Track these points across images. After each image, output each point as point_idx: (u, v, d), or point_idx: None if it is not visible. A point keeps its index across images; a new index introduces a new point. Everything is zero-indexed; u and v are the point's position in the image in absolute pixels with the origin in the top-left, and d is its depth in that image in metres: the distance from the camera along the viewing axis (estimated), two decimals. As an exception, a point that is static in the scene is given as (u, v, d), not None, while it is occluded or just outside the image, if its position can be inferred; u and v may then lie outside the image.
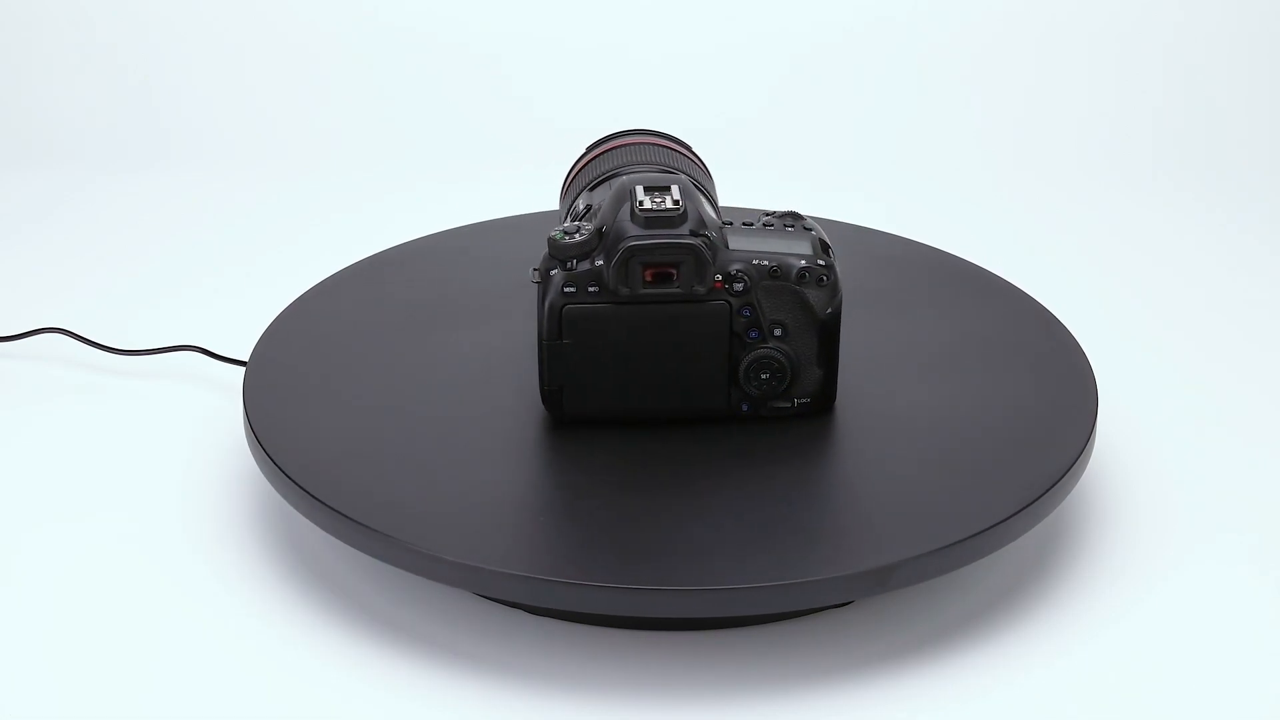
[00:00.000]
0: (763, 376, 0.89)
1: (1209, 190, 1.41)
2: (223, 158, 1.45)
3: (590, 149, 1.00)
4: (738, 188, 1.16)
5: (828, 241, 0.90)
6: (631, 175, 0.91)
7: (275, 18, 1.52)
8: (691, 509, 0.85)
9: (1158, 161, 1.44)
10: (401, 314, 1.03)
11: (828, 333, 0.89)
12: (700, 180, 0.96)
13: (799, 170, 1.42)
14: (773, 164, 1.41)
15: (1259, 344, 1.16)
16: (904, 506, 0.85)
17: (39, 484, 0.99)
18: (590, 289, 0.87)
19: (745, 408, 0.90)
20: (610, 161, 0.97)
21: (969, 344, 1.00)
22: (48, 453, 1.02)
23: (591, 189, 0.94)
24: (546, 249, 0.87)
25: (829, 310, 0.89)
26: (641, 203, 0.87)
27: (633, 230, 0.86)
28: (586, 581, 0.79)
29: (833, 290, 0.89)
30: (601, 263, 0.87)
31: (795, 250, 0.88)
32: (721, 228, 0.89)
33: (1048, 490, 0.86)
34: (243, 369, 0.99)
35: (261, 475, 0.91)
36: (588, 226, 0.87)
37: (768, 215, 0.91)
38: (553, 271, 0.87)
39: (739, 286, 0.88)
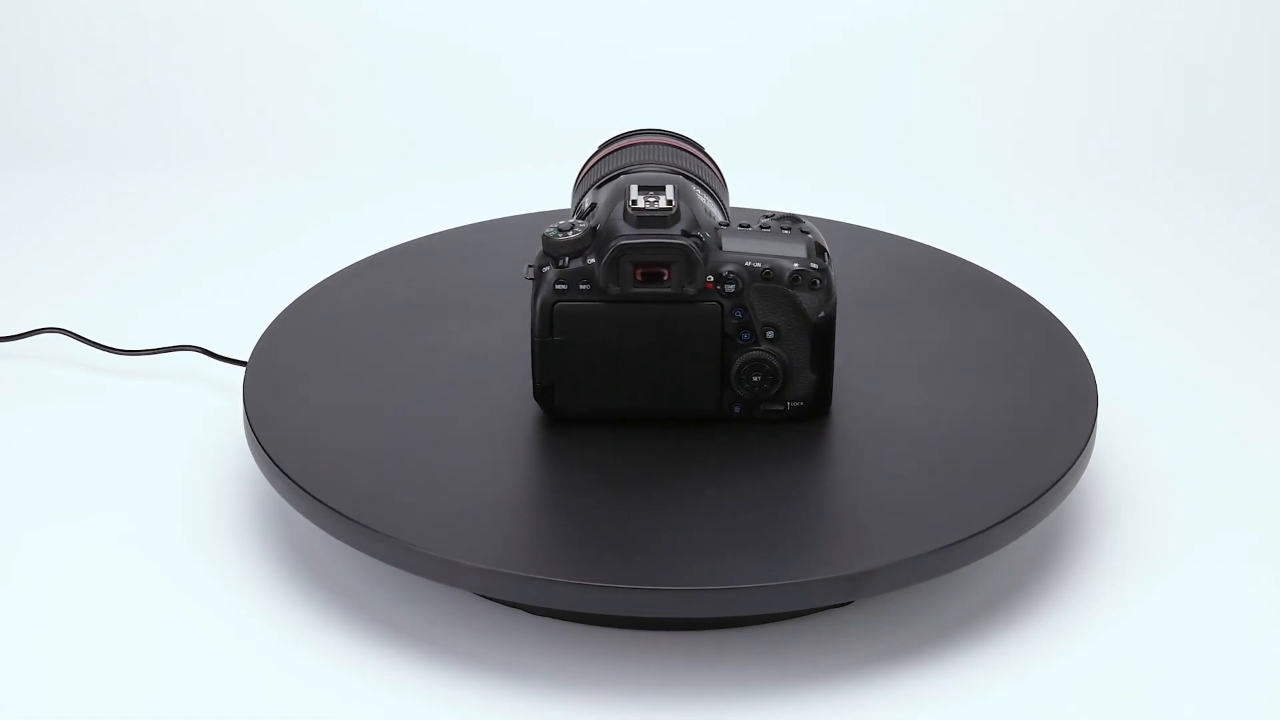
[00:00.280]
0: (754, 379, 0.89)
1: (1209, 190, 1.40)
2: (223, 158, 1.45)
3: (603, 146, 1.01)
4: (738, 188, 1.16)
5: (825, 246, 0.90)
6: (630, 174, 0.91)
7: (275, 18, 1.52)
8: (692, 509, 0.85)
9: (1158, 161, 1.44)
10: (402, 314, 1.03)
11: (821, 337, 0.89)
12: (708, 182, 0.96)
13: (799, 170, 1.42)
14: (773, 164, 1.41)
15: (1259, 344, 1.16)
16: (904, 507, 0.85)
17: (39, 484, 0.99)
18: (582, 287, 0.87)
19: (737, 409, 0.90)
20: (620, 160, 0.97)
21: (968, 344, 1.00)
22: (48, 453, 1.02)
23: (599, 187, 0.94)
24: (541, 246, 0.87)
25: (821, 314, 0.89)
26: (635, 202, 0.87)
27: (624, 229, 0.87)
28: (586, 581, 0.79)
29: (826, 294, 0.88)
30: (593, 261, 0.87)
31: (789, 253, 0.88)
32: (717, 229, 0.89)
33: (1048, 490, 0.86)
34: (243, 369, 0.99)
35: (261, 475, 0.91)
36: (582, 224, 0.88)
37: (767, 217, 0.91)
38: (545, 268, 0.87)
39: (731, 288, 0.87)
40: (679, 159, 0.97)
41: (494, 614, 0.87)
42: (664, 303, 0.87)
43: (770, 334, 0.89)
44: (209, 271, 1.26)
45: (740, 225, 0.90)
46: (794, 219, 0.91)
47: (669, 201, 0.87)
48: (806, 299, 0.88)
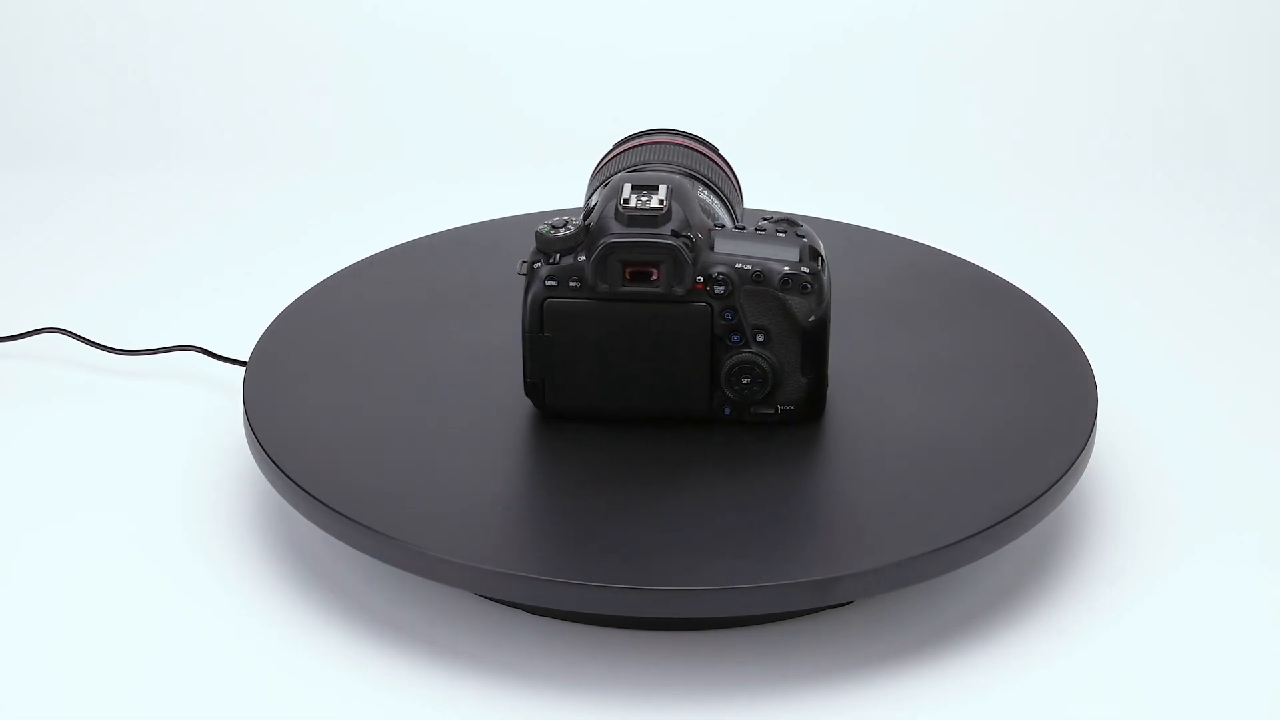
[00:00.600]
0: (744, 381, 0.89)
1: (1209, 190, 1.40)
2: (223, 158, 1.45)
3: (617, 145, 1.01)
4: (738, 188, 1.16)
5: (819, 250, 0.89)
6: (629, 173, 0.91)
7: (275, 18, 1.52)
8: (691, 509, 0.85)
9: (1158, 161, 1.44)
10: (402, 314, 1.03)
11: (811, 341, 0.89)
12: (717, 184, 0.96)
13: (799, 170, 1.42)
14: (773, 164, 1.41)
15: (1259, 344, 1.16)
16: (904, 506, 0.85)
17: (39, 484, 0.99)
18: (572, 284, 0.87)
19: (727, 411, 0.90)
20: (630, 159, 0.97)
21: (967, 344, 1.00)
22: (48, 453, 1.02)
23: (606, 185, 0.94)
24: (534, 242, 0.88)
25: (812, 318, 0.88)
26: (627, 200, 0.87)
27: (614, 227, 0.87)
28: (586, 581, 0.79)
29: (818, 299, 0.88)
30: (584, 258, 0.87)
31: (780, 256, 0.88)
32: (710, 230, 0.89)
33: (1048, 490, 0.86)
34: (243, 369, 0.99)
35: (261, 475, 0.91)
36: (576, 221, 0.88)
37: (765, 219, 0.91)
38: (537, 264, 0.87)
39: (720, 289, 0.87)
40: (689, 159, 0.97)
41: (494, 614, 0.87)
42: (653, 302, 0.88)
43: (760, 337, 0.89)
44: (209, 271, 1.26)
45: (736, 227, 0.90)
46: (791, 222, 0.90)
47: (660, 201, 0.87)
48: (797, 303, 0.88)
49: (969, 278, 1.08)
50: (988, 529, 0.83)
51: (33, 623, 0.87)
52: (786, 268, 0.88)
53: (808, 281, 0.88)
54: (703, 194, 0.94)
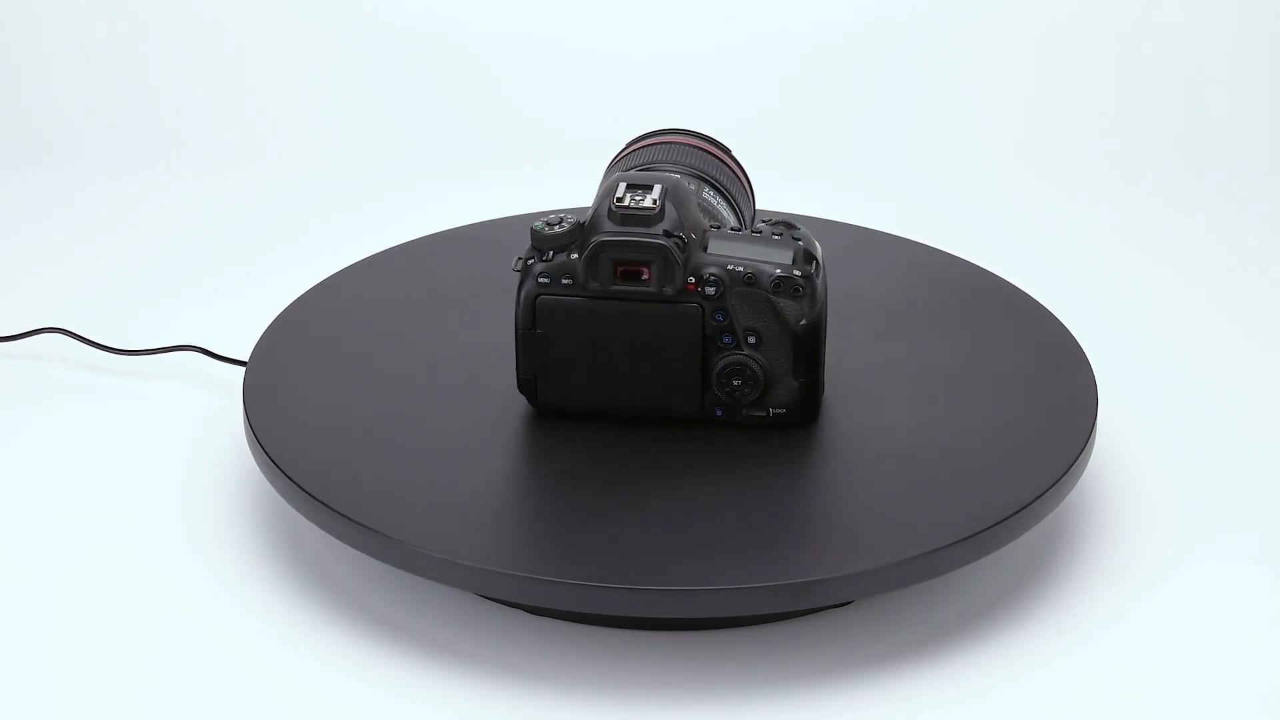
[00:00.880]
0: (735, 383, 0.89)
1: (1209, 190, 1.40)
2: (223, 158, 1.45)
3: (629, 144, 1.01)
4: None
5: (815, 254, 0.89)
6: (626, 172, 0.91)
7: (275, 18, 1.52)
8: (691, 510, 0.85)
9: (1158, 161, 1.44)
10: (402, 313, 1.03)
11: (802, 344, 0.88)
12: (725, 185, 0.96)
13: (800, 170, 1.41)
14: (773, 164, 1.41)
15: (1259, 344, 1.16)
16: (904, 506, 0.85)
17: (39, 484, 0.99)
18: (564, 281, 0.88)
19: (719, 413, 0.90)
20: (639, 158, 0.97)
21: (967, 344, 1.00)
22: (47, 453, 1.02)
23: None
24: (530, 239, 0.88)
25: (804, 322, 0.88)
26: (620, 199, 0.87)
27: (606, 226, 0.87)
28: (586, 581, 0.79)
29: (810, 302, 0.88)
30: (576, 256, 0.87)
31: (773, 259, 0.88)
32: (706, 231, 0.88)
33: (1047, 490, 0.86)
34: (243, 369, 0.99)
35: (261, 475, 0.91)
36: (571, 219, 0.88)
37: (763, 222, 0.91)
38: (531, 261, 0.88)
39: (711, 290, 0.87)
40: (698, 160, 0.97)
41: (494, 614, 0.87)
42: (644, 301, 0.88)
43: (752, 339, 0.88)
44: (209, 271, 1.26)
45: (732, 229, 0.90)
46: (789, 224, 0.90)
47: (654, 201, 0.87)
48: (788, 306, 0.88)
49: (969, 278, 1.08)
50: (988, 529, 0.83)
51: (33, 623, 0.87)
52: (778, 270, 0.87)
53: (800, 285, 0.88)
54: (707, 195, 0.94)
